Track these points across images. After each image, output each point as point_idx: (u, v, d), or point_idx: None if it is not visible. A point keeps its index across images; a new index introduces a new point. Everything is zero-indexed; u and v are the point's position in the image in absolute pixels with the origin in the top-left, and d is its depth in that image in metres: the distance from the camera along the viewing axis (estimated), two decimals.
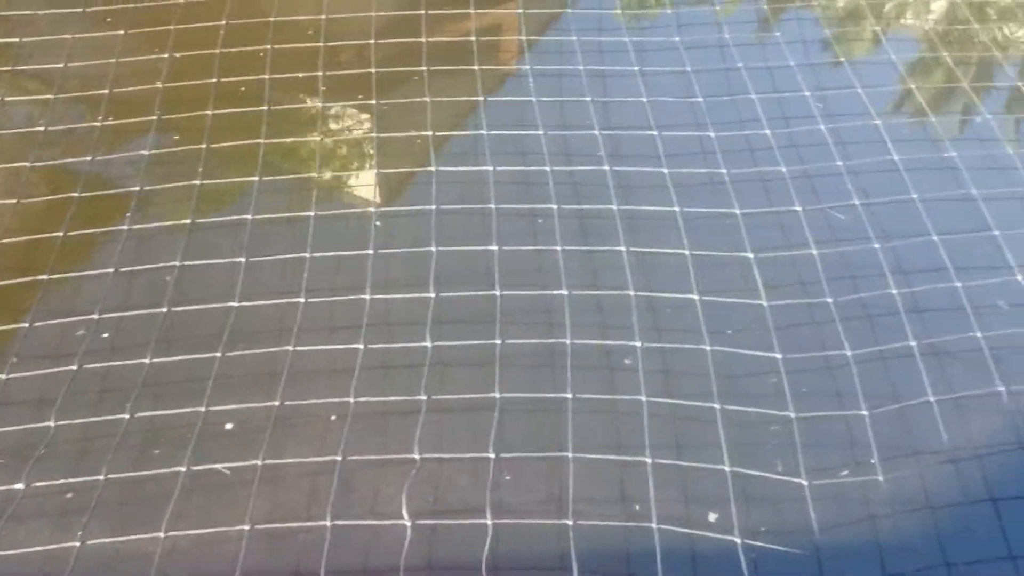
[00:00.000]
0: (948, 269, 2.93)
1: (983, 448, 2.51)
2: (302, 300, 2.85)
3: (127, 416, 2.57)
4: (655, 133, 3.38)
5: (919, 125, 3.47)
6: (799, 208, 3.11)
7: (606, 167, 3.25)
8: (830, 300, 2.83)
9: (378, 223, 3.09)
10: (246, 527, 2.34)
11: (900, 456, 2.49)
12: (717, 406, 2.58)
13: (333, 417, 2.57)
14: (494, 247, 2.99)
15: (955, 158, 3.29)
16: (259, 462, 2.46)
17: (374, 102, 3.53)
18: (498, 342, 2.73)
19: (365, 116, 3.53)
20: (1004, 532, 2.36)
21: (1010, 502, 2.41)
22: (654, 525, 2.34)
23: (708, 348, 2.71)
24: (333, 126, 3.50)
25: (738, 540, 2.32)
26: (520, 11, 3.97)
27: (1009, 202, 3.16)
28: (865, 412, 2.56)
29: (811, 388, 2.63)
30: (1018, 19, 4.01)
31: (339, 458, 2.47)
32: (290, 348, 2.71)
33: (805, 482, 2.43)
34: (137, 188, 3.20)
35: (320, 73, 3.64)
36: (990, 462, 2.49)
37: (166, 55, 3.73)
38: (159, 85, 3.59)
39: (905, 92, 3.61)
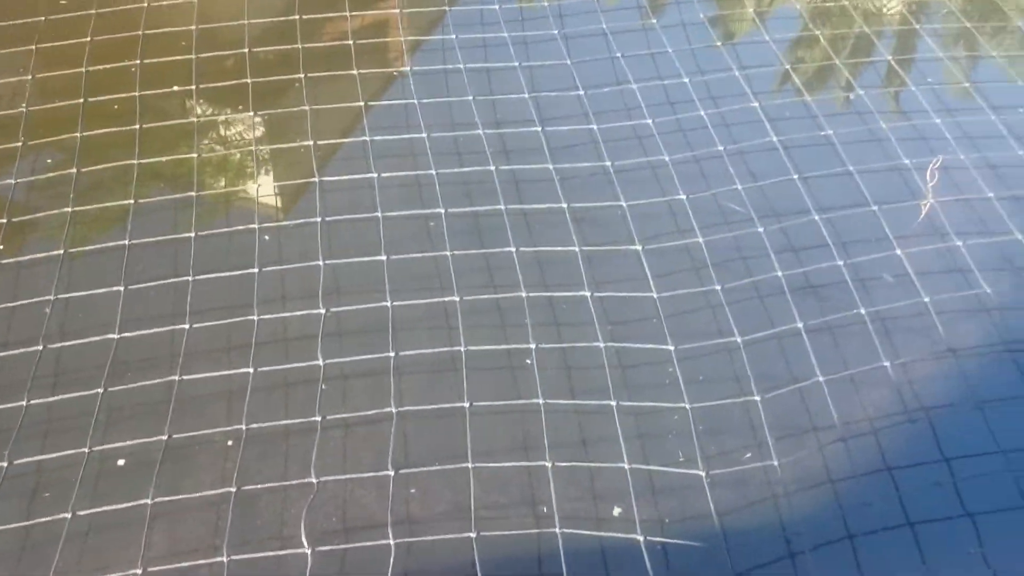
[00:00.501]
0: (830, 246, 2.99)
1: (874, 421, 2.57)
2: (187, 326, 2.76)
3: (5, 464, 2.46)
4: (538, 129, 3.37)
5: (799, 104, 3.53)
6: (683, 196, 3.14)
7: (491, 167, 3.23)
8: (718, 287, 2.86)
9: (266, 237, 3.01)
10: (138, 571, 2.26)
11: (796, 435, 2.54)
12: (614, 403, 2.59)
13: (230, 442, 2.51)
14: (382, 256, 2.94)
15: (832, 135, 3.36)
16: (148, 501, 2.38)
17: (252, 113, 3.44)
18: (392, 354, 2.69)
19: (244, 128, 3.44)
20: (901, 501, 2.42)
21: (904, 471, 2.48)
22: (557, 530, 2.34)
23: (602, 345, 2.72)
24: (211, 140, 3.40)
25: (640, 538, 2.33)
26: (398, 11, 3.91)
27: (887, 175, 3.24)
28: (757, 397, 2.60)
29: (706, 375, 2.66)
30: None
31: (233, 489, 2.41)
32: (176, 378, 2.63)
33: (703, 472, 2.45)
34: (4, 220, 3.06)
35: (195, 86, 3.53)
36: (882, 435, 2.55)
37: (29, 76, 3.57)
38: (23, 109, 3.43)
39: (783, 72, 3.67)
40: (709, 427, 2.56)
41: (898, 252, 2.96)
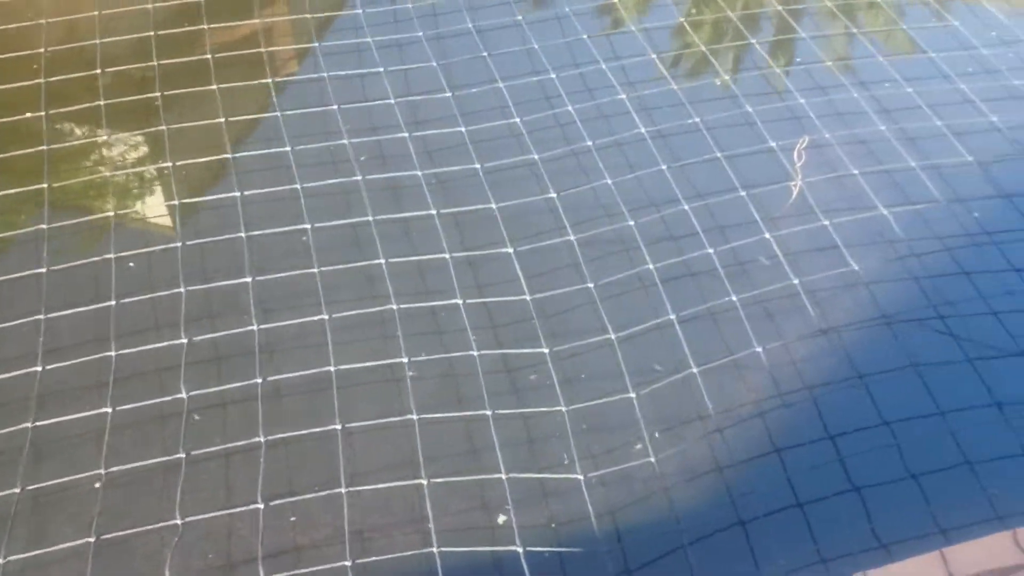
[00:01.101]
0: (701, 234, 2.99)
1: (757, 404, 2.57)
2: (39, 368, 2.62)
3: None
4: (462, 129, 3.32)
5: (669, 92, 3.52)
6: (554, 194, 3.10)
7: (419, 171, 3.17)
8: (591, 285, 2.84)
9: (131, 264, 2.89)
10: None
11: (677, 427, 2.52)
12: (489, 412, 2.54)
13: (97, 484, 2.39)
14: (247, 278, 2.85)
15: (700, 122, 3.36)
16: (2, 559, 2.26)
17: (107, 136, 3.31)
18: (259, 380, 2.60)
19: (100, 153, 3.30)
20: (789, 482, 2.42)
21: (789, 451, 2.48)
22: (435, 549, 2.28)
23: (476, 353, 2.67)
24: (65, 167, 3.24)
25: (520, 549, 2.28)
26: (309, 15, 3.79)
27: (756, 158, 3.25)
28: (633, 394, 2.58)
29: (588, 374, 2.63)
30: None
31: (91, 539, 2.29)
32: (29, 425, 2.50)
33: (581, 476, 2.42)
34: None
35: (101, 102, 3.39)
36: (766, 418, 2.55)
37: None
38: None
39: (651, 62, 3.66)
40: (592, 426, 2.52)
41: (767, 236, 2.97)
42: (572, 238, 2.96)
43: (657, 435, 2.50)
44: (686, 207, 3.05)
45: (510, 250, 2.92)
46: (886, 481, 2.42)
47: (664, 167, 3.18)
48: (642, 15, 3.92)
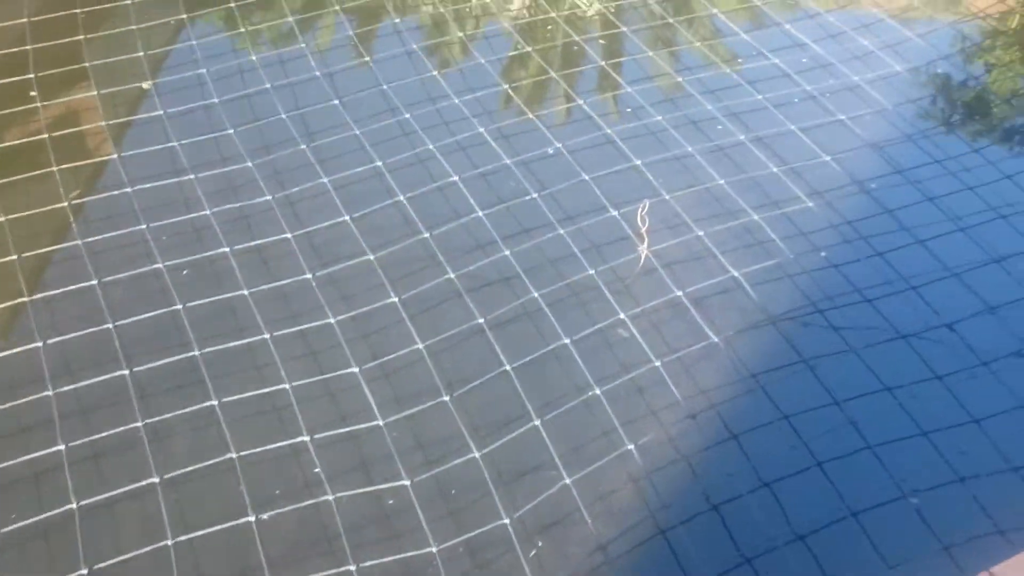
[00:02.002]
0: (578, 255, 2.98)
1: (658, 417, 2.56)
2: None
3: None
4: (325, 180, 3.22)
5: (526, 122, 3.53)
6: (427, 234, 3.06)
7: (288, 233, 3.06)
8: (481, 320, 2.79)
9: None
10: None
11: (587, 447, 2.50)
12: (308, 437, 2.49)
13: None
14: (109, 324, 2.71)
15: (561, 148, 3.38)
16: None
17: None
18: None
19: None
20: (705, 492, 2.42)
21: (699, 456, 2.47)
22: None
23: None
24: None
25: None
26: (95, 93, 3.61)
27: (620, 176, 3.29)
28: (537, 421, 2.54)
29: (489, 410, 2.57)
30: None
31: None
32: None
33: (507, 520, 2.35)
34: None
35: None
36: (672, 429, 2.54)
37: None
38: None
39: (504, 93, 3.66)
40: (507, 468, 2.47)
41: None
42: (453, 276, 2.92)
43: (567, 457, 2.47)
44: (561, 231, 3.05)
45: (395, 299, 2.85)
46: (793, 472, 2.46)
47: (536, 195, 3.18)
48: (483, 48, 3.93)
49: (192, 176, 3.23)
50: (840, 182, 3.26)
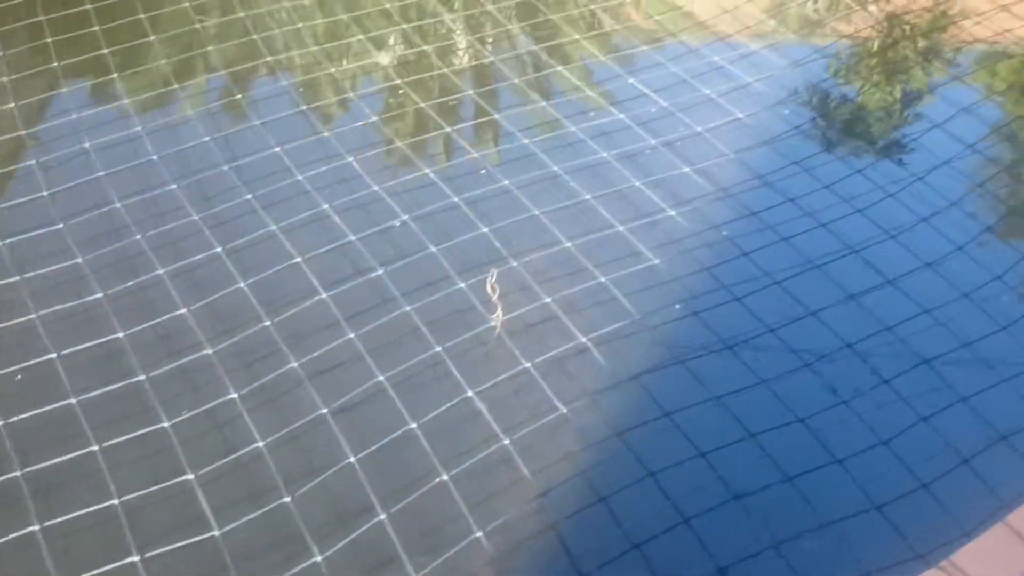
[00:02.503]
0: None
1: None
2: None
3: None
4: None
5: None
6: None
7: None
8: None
9: None
10: None
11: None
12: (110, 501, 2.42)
13: None
14: None
15: (407, 219, 3.32)
16: None
17: None
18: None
19: None
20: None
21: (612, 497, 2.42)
22: None
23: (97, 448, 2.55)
24: None
25: None
26: None
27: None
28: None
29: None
30: (454, 31, 4.21)
31: None
32: None
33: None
34: None
35: None
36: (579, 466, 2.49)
37: None
38: None
39: (349, 163, 3.60)
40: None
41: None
42: (295, 364, 2.84)
43: (416, 549, 2.40)
44: (407, 308, 2.99)
45: (234, 395, 2.75)
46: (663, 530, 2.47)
47: (381, 271, 3.12)
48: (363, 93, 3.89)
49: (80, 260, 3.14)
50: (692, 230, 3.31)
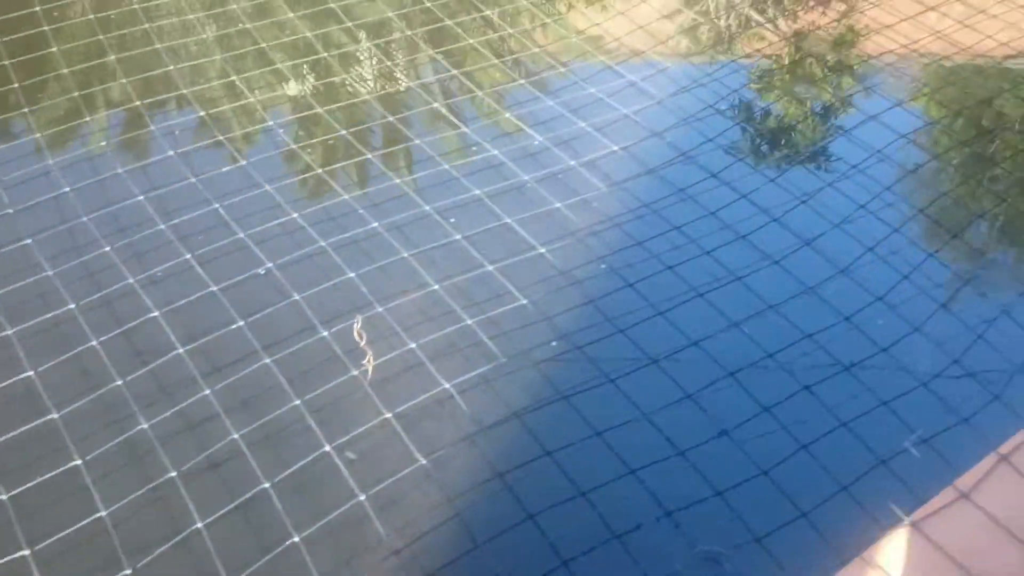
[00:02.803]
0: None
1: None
2: None
3: None
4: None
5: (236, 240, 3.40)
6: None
7: None
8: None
9: None
10: None
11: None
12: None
13: None
14: None
15: (272, 267, 3.24)
16: None
17: None
18: None
19: None
20: None
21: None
22: None
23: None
24: None
25: None
26: None
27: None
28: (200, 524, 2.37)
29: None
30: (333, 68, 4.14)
31: None
32: None
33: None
34: None
35: None
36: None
37: None
38: None
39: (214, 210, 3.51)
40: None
41: (364, 364, 2.90)
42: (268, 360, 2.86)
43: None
44: (267, 360, 2.91)
45: (78, 461, 2.64)
46: (556, 503, 2.52)
47: (242, 323, 3.03)
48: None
49: None
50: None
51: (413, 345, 2.96)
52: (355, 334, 2.97)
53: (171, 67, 4.20)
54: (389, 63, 4.37)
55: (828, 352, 2.96)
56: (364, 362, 2.90)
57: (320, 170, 3.71)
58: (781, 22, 4.70)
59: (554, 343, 3.00)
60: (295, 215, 3.46)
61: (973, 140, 3.87)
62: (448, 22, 4.53)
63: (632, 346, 2.98)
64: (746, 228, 3.41)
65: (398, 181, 3.64)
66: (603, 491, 2.58)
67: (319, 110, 4.00)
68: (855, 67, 4.36)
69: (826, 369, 2.90)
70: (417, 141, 3.86)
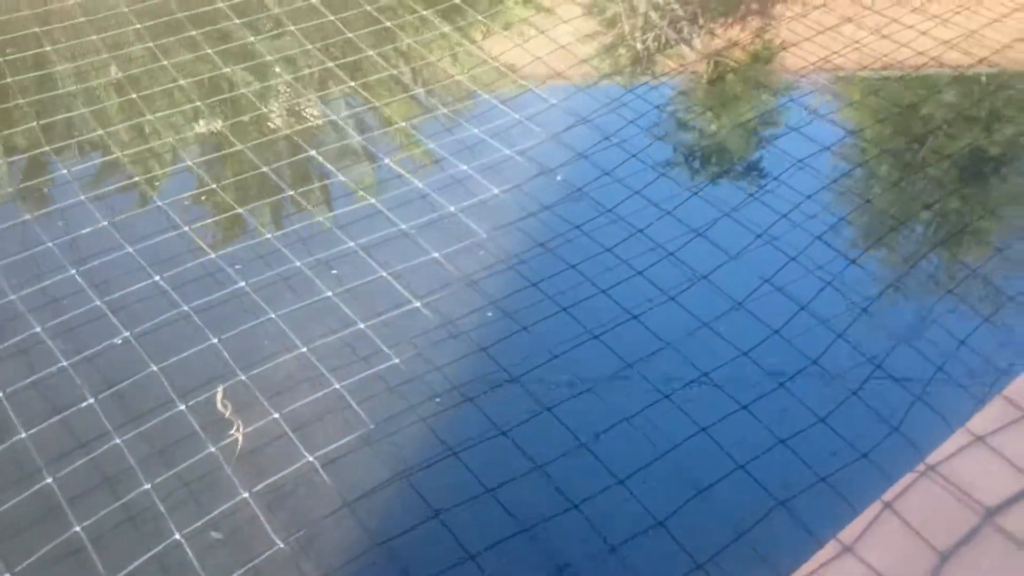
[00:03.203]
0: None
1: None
2: None
3: None
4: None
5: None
6: None
7: None
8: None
9: None
10: None
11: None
12: None
13: None
14: None
15: (129, 336, 3.05)
16: None
17: None
18: None
19: None
20: None
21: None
22: None
23: None
24: None
25: None
26: None
27: None
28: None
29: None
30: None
31: None
32: None
33: None
34: None
35: None
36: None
37: None
38: None
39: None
40: None
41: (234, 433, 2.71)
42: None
43: None
44: (117, 440, 2.71)
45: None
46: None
47: (92, 400, 2.83)
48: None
49: None
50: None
51: (277, 415, 2.80)
52: (219, 404, 2.80)
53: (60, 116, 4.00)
54: (266, 109, 4.20)
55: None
56: (232, 432, 2.73)
57: (187, 227, 3.50)
58: (697, 41, 4.66)
59: (438, 400, 2.86)
60: (157, 278, 3.26)
61: (898, 148, 3.89)
62: (350, 57, 4.39)
63: (528, 396, 2.87)
64: (673, 246, 3.39)
65: (268, 236, 3.47)
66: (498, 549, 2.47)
67: (189, 162, 3.83)
68: (774, 81, 4.35)
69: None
70: (291, 192, 3.70)
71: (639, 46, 4.67)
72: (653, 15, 4.86)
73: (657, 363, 2.96)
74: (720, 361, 2.97)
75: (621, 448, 2.72)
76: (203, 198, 3.66)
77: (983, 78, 4.31)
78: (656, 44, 4.66)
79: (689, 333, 3.06)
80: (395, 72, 4.35)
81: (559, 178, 3.72)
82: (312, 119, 4.09)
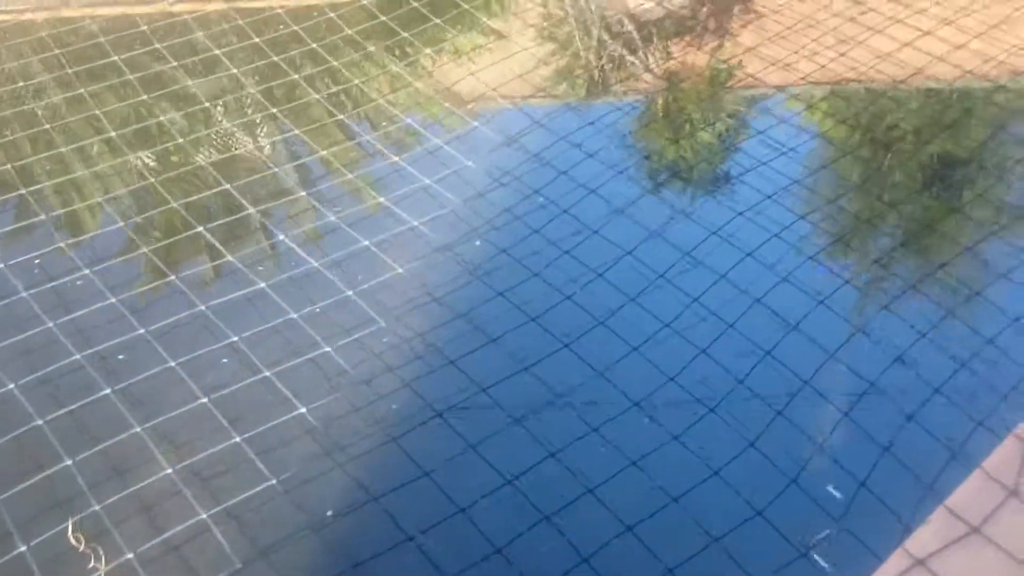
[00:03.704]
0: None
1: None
2: None
3: None
4: None
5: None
6: None
7: None
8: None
9: None
10: None
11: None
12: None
13: None
14: None
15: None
16: None
17: None
18: None
19: None
20: None
21: None
22: None
23: None
24: None
25: None
26: None
27: None
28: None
29: None
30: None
31: None
32: None
33: None
34: None
35: None
36: None
37: None
38: None
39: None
40: None
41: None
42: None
43: None
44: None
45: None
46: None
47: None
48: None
49: None
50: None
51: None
52: (71, 539, 2.53)
53: None
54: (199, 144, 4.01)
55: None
56: (91, 566, 2.47)
57: (89, 271, 3.31)
58: (653, 60, 4.58)
59: (368, 440, 2.76)
60: (11, 386, 2.94)
61: (864, 155, 3.84)
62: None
63: (406, 460, 2.72)
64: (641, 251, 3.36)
65: (172, 278, 3.30)
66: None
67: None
68: (733, 98, 4.29)
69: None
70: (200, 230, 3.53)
71: (595, 72, 4.53)
72: (606, 36, 4.73)
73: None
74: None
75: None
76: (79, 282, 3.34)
77: (949, 86, 4.23)
78: (612, 69, 4.55)
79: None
80: (340, 117, 4.16)
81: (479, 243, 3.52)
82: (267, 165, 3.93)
